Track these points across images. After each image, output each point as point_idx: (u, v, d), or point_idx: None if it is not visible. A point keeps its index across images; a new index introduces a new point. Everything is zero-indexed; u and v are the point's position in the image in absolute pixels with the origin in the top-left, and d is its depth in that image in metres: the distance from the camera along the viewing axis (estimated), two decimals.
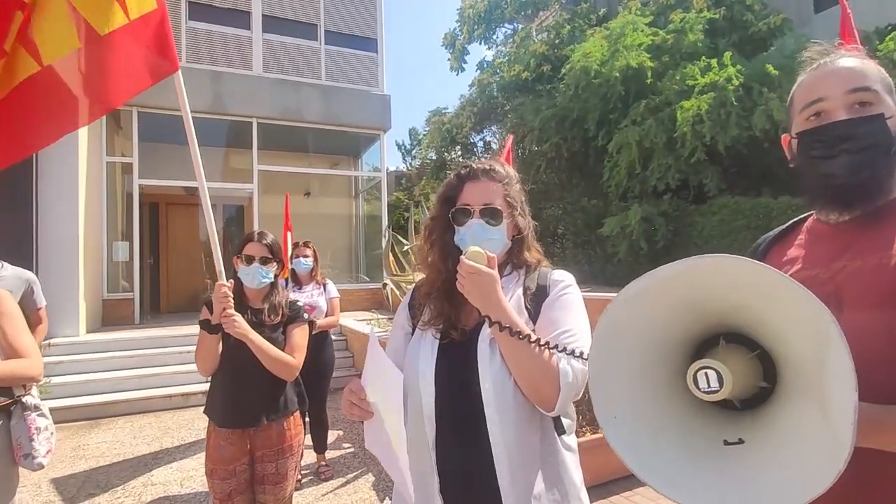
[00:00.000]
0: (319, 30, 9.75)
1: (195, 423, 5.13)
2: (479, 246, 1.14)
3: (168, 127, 8.45)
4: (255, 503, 2.14)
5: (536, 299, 1.20)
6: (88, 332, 7.03)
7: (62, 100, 1.84)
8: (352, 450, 4.30)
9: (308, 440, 3.87)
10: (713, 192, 9.21)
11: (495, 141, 15.65)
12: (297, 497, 3.47)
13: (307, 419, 3.75)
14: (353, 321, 7.39)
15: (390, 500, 3.35)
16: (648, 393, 0.90)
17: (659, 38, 10.30)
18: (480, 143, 16.04)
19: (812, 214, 1.11)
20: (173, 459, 4.18)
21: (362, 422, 1.20)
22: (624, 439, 0.85)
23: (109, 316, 7.95)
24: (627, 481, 3.32)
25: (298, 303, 2.25)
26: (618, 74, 9.87)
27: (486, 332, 1.16)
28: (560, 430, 1.18)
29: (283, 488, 2.12)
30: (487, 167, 1.26)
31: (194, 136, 2.03)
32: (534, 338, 1.06)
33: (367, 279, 10.36)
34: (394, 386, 1.10)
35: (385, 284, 7.33)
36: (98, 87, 1.88)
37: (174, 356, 6.34)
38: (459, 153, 16.20)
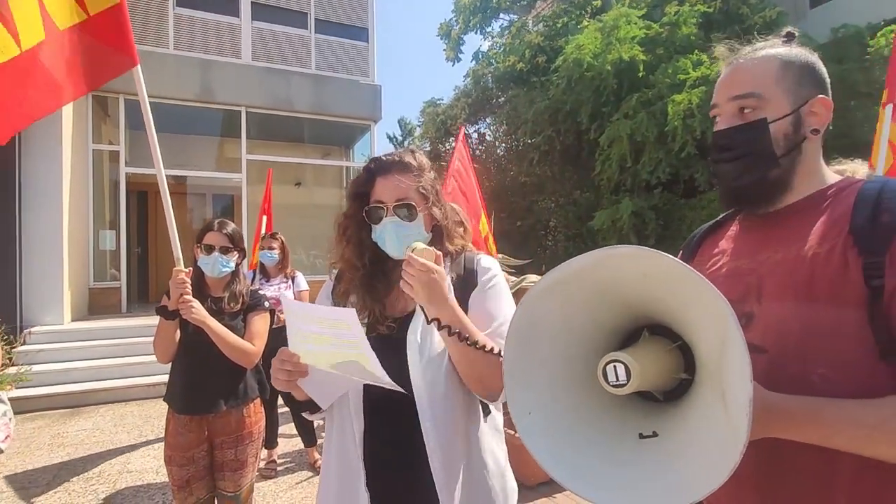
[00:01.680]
0: (310, 18, 9.65)
1: None
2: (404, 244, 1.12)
3: (155, 115, 8.37)
4: (214, 490, 2.15)
5: (464, 286, 1.19)
6: (73, 320, 7.01)
7: (36, 84, 1.85)
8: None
9: (292, 430, 3.88)
10: (703, 186, 9.20)
11: (489, 133, 15.58)
12: (272, 485, 3.49)
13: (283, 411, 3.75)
14: None
15: None
16: (565, 388, 0.90)
17: (652, 31, 10.23)
18: (475, 135, 15.96)
19: None
20: (152, 448, 4.19)
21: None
22: (537, 436, 0.84)
23: (96, 304, 7.93)
24: None
25: (260, 291, 2.24)
26: (610, 67, 9.81)
27: (415, 324, 1.16)
28: (486, 410, 1.20)
29: (242, 475, 2.13)
30: (396, 159, 1.22)
31: (152, 125, 2.06)
32: (480, 343, 1.04)
33: None
34: (320, 319, 1.04)
35: None
36: (56, 80, 1.89)
37: None
38: (454, 144, 16.14)
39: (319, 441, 3.90)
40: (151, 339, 5.62)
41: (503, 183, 12.75)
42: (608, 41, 10.04)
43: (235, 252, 2.19)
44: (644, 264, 0.77)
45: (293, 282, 3.95)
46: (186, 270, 1.96)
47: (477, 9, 15.70)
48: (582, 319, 0.88)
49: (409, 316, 1.19)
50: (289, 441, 4.13)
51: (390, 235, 1.18)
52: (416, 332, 1.15)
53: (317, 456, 3.75)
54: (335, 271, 1.35)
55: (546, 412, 0.87)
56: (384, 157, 1.24)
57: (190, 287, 1.94)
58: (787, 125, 0.93)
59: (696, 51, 9.49)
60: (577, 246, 11.57)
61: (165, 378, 6.12)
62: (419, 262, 1.02)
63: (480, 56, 16.01)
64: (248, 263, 4.14)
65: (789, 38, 1.00)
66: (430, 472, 1.09)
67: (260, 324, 2.16)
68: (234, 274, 2.19)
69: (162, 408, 5.39)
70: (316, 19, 9.68)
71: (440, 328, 1.03)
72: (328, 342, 1.01)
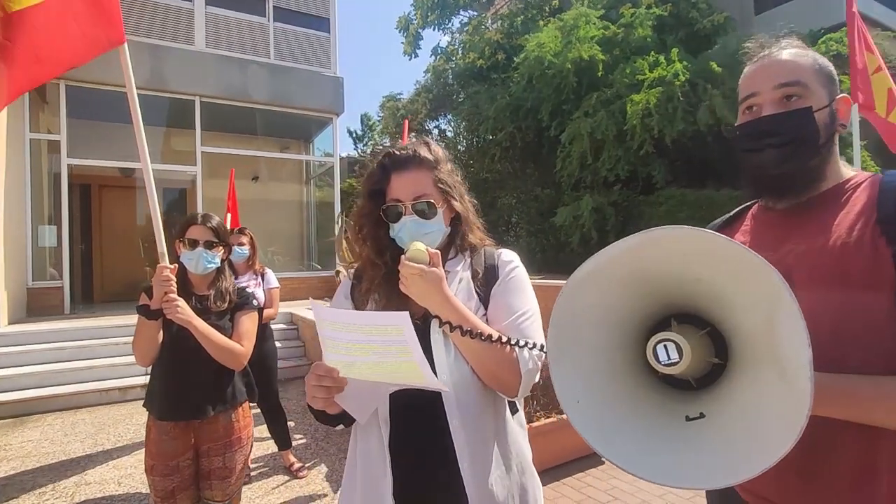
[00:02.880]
0: (268, 5, 9.29)
1: (133, 419, 4.84)
2: (420, 241, 1.08)
3: (101, 103, 7.86)
4: (199, 500, 2.02)
5: (486, 281, 1.16)
6: (11, 323, 6.48)
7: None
8: (304, 441, 4.18)
9: (264, 432, 3.72)
10: (660, 183, 9.56)
11: (450, 129, 15.58)
12: (247, 491, 3.34)
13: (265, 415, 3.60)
14: (306, 310, 7.19)
15: None
16: (609, 375, 0.90)
17: (610, 32, 10.52)
18: (435, 131, 15.92)
19: (757, 202, 1.14)
20: (110, 457, 3.92)
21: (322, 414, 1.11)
22: (589, 423, 0.84)
23: (35, 306, 7.36)
24: (580, 463, 3.39)
25: (248, 289, 2.12)
26: (570, 66, 10.01)
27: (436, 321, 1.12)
28: (513, 409, 1.18)
29: (230, 483, 2.01)
30: (411, 153, 1.16)
31: (139, 113, 1.91)
32: (486, 334, 1.01)
33: (319, 267, 10.11)
34: (366, 327, 0.96)
35: (338, 272, 7.16)
36: (27, 57, 1.72)
37: (110, 348, 5.94)
38: (414, 139, 16.02)
39: (294, 443, 3.78)
40: (101, 341, 5.25)
41: (464, 179, 12.81)
42: (568, 40, 10.24)
43: (221, 247, 2.05)
44: (685, 244, 0.77)
45: (263, 279, 3.79)
46: (171, 267, 1.82)
47: (436, 4, 15.66)
48: (619, 306, 0.89)
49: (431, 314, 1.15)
50: (261, 444, 3.97)
51: (410, 234, 1.13)
52: (439, 329, 1.11)
53: (292, 459, 3.63)
54: (344, 271, 1.29)
55: (593, 399, 0.87)
56: (398, 152, 1.17)
57: (175, 285, 1.81)
58: (825, 116, 0.96)
59: (653, 52, 9.81)
60: (539, 242, 11.78)
61: (119, 383, 5.73)
62: (410, 265, 1.01)
63: (439, 51, 15.98)
64: None
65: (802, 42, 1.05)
66: (458, 472, 1.06)
67: (248, 323, 2.05)
68: (220, 271, 2.06)
69: (116, 414, 5.11)
70: (274, 7, 9.33)
71: (441, 325, 1.02)
72: (373, 350, 0.94)
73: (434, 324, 1.09)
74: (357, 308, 1.20)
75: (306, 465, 3.65)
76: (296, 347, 6.60)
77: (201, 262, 1.97)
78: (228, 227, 4.51)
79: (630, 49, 10.41)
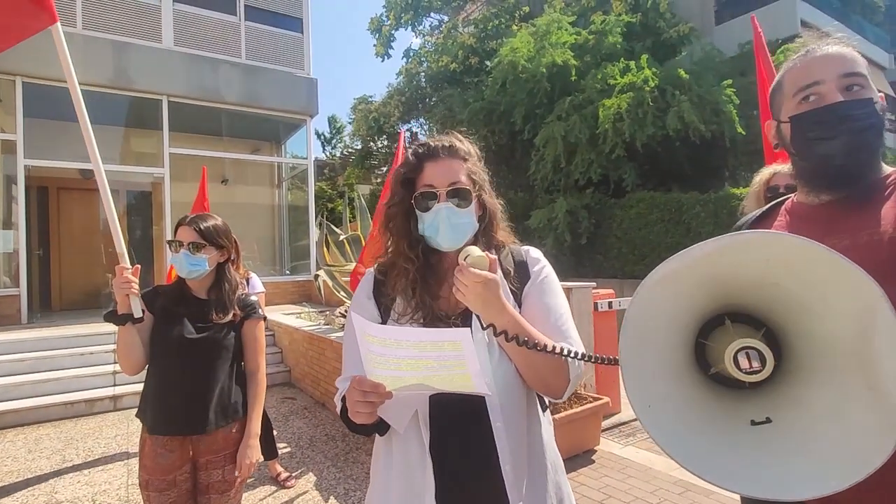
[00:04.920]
0: (239, 4, 9.07)
1: (103, 432, 4.61)
2: (451, 232, 1.07)
3: (60, 101, 7.44)
4: None
5: (518, 280, 1.15)
6: None
7: None
8: (288, 450, 4.06)
9: None
10: (631, 186, 9.78)
11: (422, 132, 15.56)
12: None
13: None
14: (281, 315, 7.02)
15: (335, 498, 3.21)
16: (675, 377, 0.88)
17: (581, 38, 10.73)
18: (407, 134, 15.85)
19: (790, 197, 1.15)
20: (81, 474, 3.72)
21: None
22: (661, 428, 0.81)
23: None
24: (572, 462, 3.42)
25: (252, 297, 2.04)
26: (544, 70, 10.15)
27: (478, 322, 1.10)
28: (544, 406, 1.18)
29: (230, 497, 1.93)
30: (448, 143, 1.15)
31: (83, 107, 1.80)
32: (541, 344, 0.99)
33: (288, 273, 9.91)
34: (422, 343, 0.93)
35: (317, 276, 7.02)
36: None
37: (74, 358, 5.66)
38: (386, 143, 15.92)
39: (279, 452, 3.67)
40: (63, 351, 5.06)
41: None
42: (541, 45, 10.38)
43: (211, 248, 1.94)
44: (774, 249, 0.76)
45: (248, 284, 3.67)
46: (132, 268, 1.71)
47: (408, 6, 15.63)
48: (686, 308, 0.86)
49: (469, 312, 1.12)
50: None
51: (444, 223, 1.09)
52: (479, 329, 1.09)
53: (279, 469, 3.52)
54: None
55: (664, 403, 0.85)
56: (433, 142, 1.17)
57: (136, 286, 1.72)
58: (878, 109, 0.97)
59: (623, 59, 10.05)
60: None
61: (86, 395, 5.45)
62: (472, 272, 0.96)
63: (412, 54, 15.95)
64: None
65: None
66: (499, 473, 1.04)
67: (259, 335, 2.01)
68: (221, 276, 1.97)
69: (84, 428, 4.86)
70: (246, 6, 9.11)
71: (497, 334, 0.98)
72: (425, 366, 0.91)
73: (475, 324, 1.07)
74: (385, 307, 1.17)
75: (293, 475, 3.55)
76: (273, 354, 6.43)
77: (185, 264, 1.88)
78: None
79: (601, 55, 10.64)
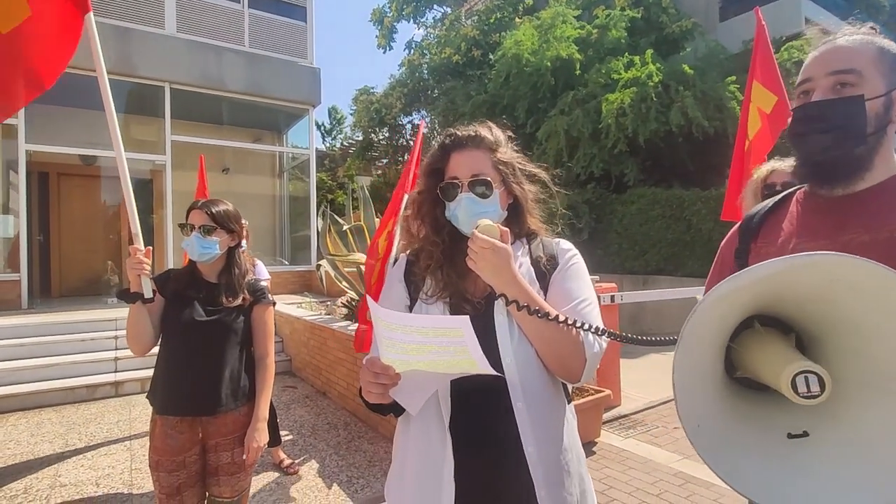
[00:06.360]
0: None
1: (105, 417, 4.63)
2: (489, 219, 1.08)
3: (62, 86, 7.41)
4: (204, 497, 1.95)
5: (547, 269, 1.16)
6: None
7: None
8: (290, 437, 4.08)
9: None
10: (632, 182, 9.78)
11: (425, 125, 15.51)
12: None
13: None
14: (282, 304, 7.03)
15: (338, 486, 3.23)
16: (716, 391, 0.86)
17: (585, 32, 10.68)
18: (409, 126, 15.83)
19: (802, 188, 1.16)
20: (84, 458, 3.73)
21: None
22: (711, 448, 0.79)
23: None
24: None
25: (261, 282, 2.06)
26: (549, 64, 10.12)
27: (501, 303, 1.11)
28: (568, 396, 1.19)
29: (240, 479, 1.95)
30: (472, 133, 1.18)
31: (110, 98, 1.88)
32: (553, 314, 1.01)
33: (286, 262, 9.91)
34: (426, 329, 0.96)
35: (319, 266, 7.01)
36: (23, 71, 1.81)
37: (74, 344, 5.66)
38: (387, 134, 15.87)
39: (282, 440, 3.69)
40: (64, 337, 5.06)
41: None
42: (545, 39, 10.34)
43: (223, 232, 1.95)
44: (845, 270, 0.72)
45: (253, 271, 3.67)
46: (144, 249, 1.74)
47: None
48: (732, 321, 0.84)
49: (494, 294, 1.14)
50: None
51: (464, 212, 1.13)
52: (503, 311, 1.10)
53: (282, 455, 3.54)
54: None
55: (713, 420, 0.83)
56: (459, 132, 1.19)
57: (148, 267, 1.74)
58: (879, 105, 0.96)
59: (627, 53, 10.02)
60: None
61: (86, 380, 5.47)
62: (481, 238, 1.01)
63: (414, 46, 15.88)
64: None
65: (874, 30, 1.05)
66: (521, 454, 1.05)
67: (269, 320, 2.03)
68: (231, 261, 1.98)
69: (86, 413, 4.87)
70: None
71: (508, 303, 1.02)
72: (429, 350, 0.95)
73: (498, 306, 1.08)
74: (415, 288, 1.20)
75: (296, 462, 3.57)
76: (274, 343, 6.43)
77: (196, 247, 1.89)
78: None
79: (604, 50, 10.60)
